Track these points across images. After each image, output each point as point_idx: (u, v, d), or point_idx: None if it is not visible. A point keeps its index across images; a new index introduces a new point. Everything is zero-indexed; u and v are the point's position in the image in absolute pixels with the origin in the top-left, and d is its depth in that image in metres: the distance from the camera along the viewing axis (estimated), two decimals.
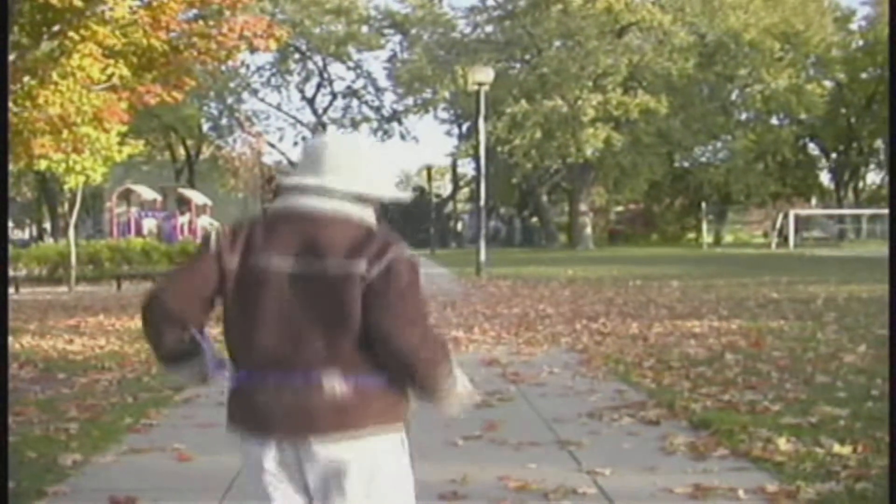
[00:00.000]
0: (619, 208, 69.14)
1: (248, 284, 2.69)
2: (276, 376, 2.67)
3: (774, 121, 56.37)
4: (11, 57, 11.71)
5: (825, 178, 66.44)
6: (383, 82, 62.91)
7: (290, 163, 61.34)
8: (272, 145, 60.83)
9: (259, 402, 2.69)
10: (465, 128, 58.82)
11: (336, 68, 65.65)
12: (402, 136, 64.79)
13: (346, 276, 2.63)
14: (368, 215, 2.77)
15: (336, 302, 2.64)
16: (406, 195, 2.96)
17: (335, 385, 2.65)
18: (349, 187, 2.72)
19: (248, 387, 2.73)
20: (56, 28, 13.57)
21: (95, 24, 13.35)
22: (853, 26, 58.70)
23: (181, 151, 59.17)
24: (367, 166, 2.78)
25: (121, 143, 19.76)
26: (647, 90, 48.22)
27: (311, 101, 63.98)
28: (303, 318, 2.65)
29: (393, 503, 2.78)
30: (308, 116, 64.65)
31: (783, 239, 51.55)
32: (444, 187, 76.77)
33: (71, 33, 13.30)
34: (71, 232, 24.18)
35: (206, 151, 58.25)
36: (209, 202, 40.67)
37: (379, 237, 2.72)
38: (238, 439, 2.82)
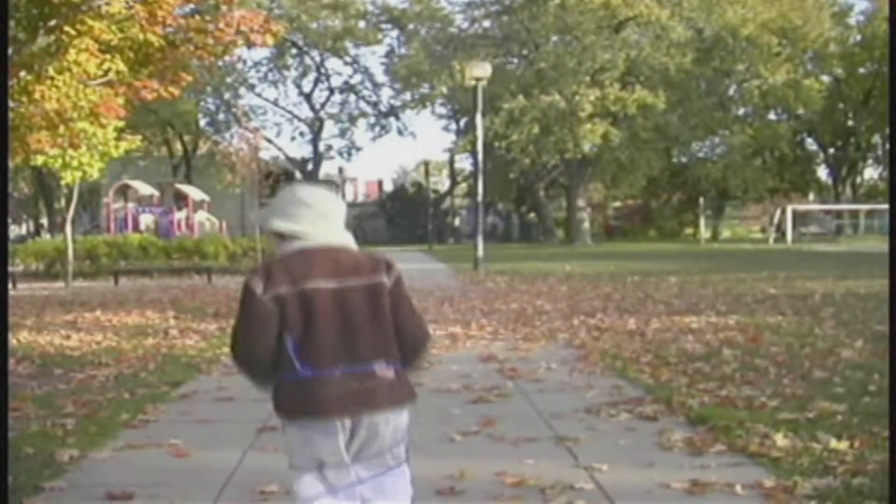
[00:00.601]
0: (617, 204, 69.17)
1: (303, 304, 3.43)
2: (341, 369, 3.43)
3: (772, 116, 56.43)
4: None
5: (823, 173, 66.57)
6: (381, 77, 62.90)
7: (288, 158, 61.37)
8: (270, 141, 60.63)
9: (329, 393, 3.41)
10: (462, 123, 58.77)
11: (333, 63, 65.58)
12: (400, 132, 64.80)
13: (377, 285, 3.52)
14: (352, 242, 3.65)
15: (375, 305, 3.50)
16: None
17: (385, 372, 3.48)
18: (347, 236, 3.62)
19: (316, 382, 3.43)
20: (52, 23, 13.53)
21: (91, 19, 13.31)
22: (851, 21, 58.75)
23: (178, 147, 59.09)
24: (341, 216, 3.65)
25: (117, 139, 19.76)
26: (645, 85, 48.19)
27: (308, 97, 63.95)
28: (351, 321, 3.47)
29: (400, 443, 3.62)
30: (305, 112, 64.69)
31: (781, 234, 51.61)
32: (441, 183, 76.80)
33: (67, 28, 13.26)
34: (68, 227, 24.16)
35: (203, 147, 58.10)
36: (206, 198, 40.65)
37: (380, 257, 3.64)
38: (288, 424, 3.52)
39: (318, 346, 3.43)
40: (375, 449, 3.54)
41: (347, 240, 3.60)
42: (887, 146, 59.20)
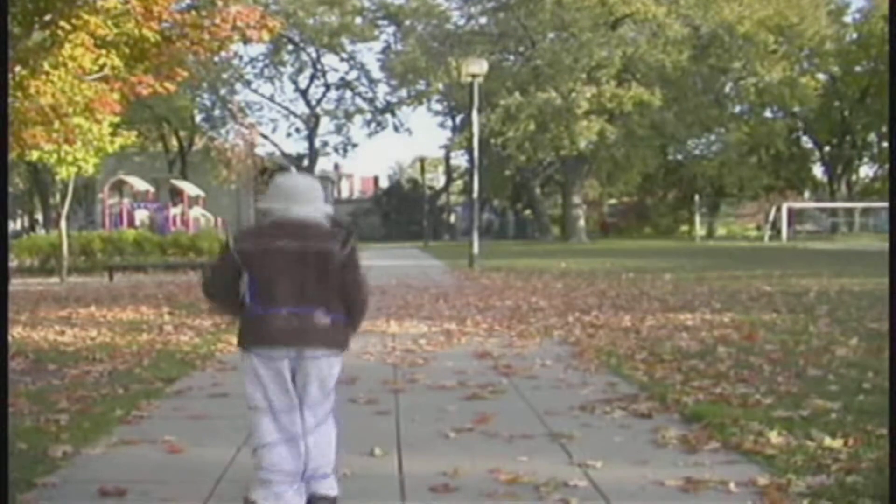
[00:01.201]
0: (613, 201, 69.20)
1: (267, 257, 4.48)
2: (287, 310, 4.45)
3: (768, 114, 56.38)
4: None
5: (818, 171, 66.59)
6: (377, 74, 62.94)
7: (284, 154, 61.37)
8: (265, 137, 60.65)
9: (275, 326, 4.44)
10: (458, 120, 58.79)
11: (329, 59, 65.63)
12: (396, 128, 64.90)
13: (328, 252, 4.48)
14: (326, 220, 4.61)
15: (322, 266, 4.47)
16: (329, 209, 4.72)
17: (322, 317, 4.48)
18: (315, 212, 4.58)
19: (266, 317, 4.47)
20: (47, 18, 13.49)
21: (87, 13, 13.26)
22: (847, 19, 58.71)
23: (174, 142, 59.02)
24: (318, 197, 4.65)
25: (113, 134, 19.75)
26: (641, 82, 48.15)
27: (304, 93, 63.95)
28: (303, 275, 4.46)
29: (331, 392, 4.63)
30: (301, 108, 64.67)
31: (776, 232, 51.64)
32: (437, 179, 76.74)
33: (62, 23, 13.21)
34: (63, 223, 24.14)
35: (199, 143, 58.06)
36: (202, 193, 40.60)
37: (340, 231, 4.57)
38: (246, 353, 4.54)
39: (274, 290, 4.47)
40: (316, 387, 4.54)
41: (316, 213, 4.57)
42: (884, 144, 59.28)
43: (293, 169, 59.39)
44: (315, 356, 4.48)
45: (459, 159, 64.85)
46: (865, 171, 66.67)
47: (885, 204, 52.32)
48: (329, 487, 4.66)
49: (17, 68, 13.42)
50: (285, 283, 4.44)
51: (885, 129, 56.64)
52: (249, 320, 4.54)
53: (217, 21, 14.53)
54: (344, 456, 5.56)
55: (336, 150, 64.88)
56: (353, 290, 4.59)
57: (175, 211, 37.20)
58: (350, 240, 4.53)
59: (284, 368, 4.47)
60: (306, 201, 4.56)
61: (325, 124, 64.43)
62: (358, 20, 59.39)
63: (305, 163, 62.49)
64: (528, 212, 65.93)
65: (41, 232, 43.97)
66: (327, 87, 64.05)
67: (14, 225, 65.10)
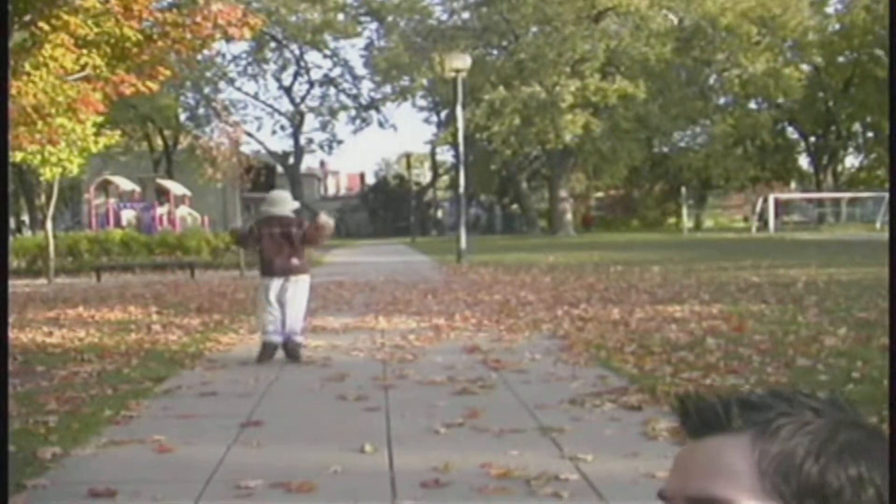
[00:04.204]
0: (600, 194, 69.22)
1: (267, 236, 9.42)
2: (279, 258, 9.37)
3: (752, 105, 56.49)
4: None
5: (804, 161, 66.68)
6: (360, 70, 62.87)
7: (270, 152, 61.28)
8: (250, 135, 60.44)
9: (274, 267, 9.37)
10: (443, 115, 58.74)
11: (313, 56, 65.52)
12: (381, 124, 65.03)
13: (293, 231, 9.44)
14: (293, 213, 9.84)
15: (291, 238, 9.41)
16: (295, 205, 10.27)
17: (296, 261, 9.43)
18: (286, 210, 9.80)
19: (270, 264, 9.40)
20: (27, 18, 13.43)
21: (66, 13, 13.22)
22: (829, 10, 58.83)
23: (158, 142, 58.86)
24: (289, 203, 9.97)
25: (97, 134, 19.67)
26: (625, 75, 48.20)
27: (288, 90, 63.81)
28: (284, 242, 9.38)
29: (305, 299, 9.63)
30: (286, 105, 64.50)
31: (763, 223, 51.72)
32: (423, 175, 76.73)
33: (42, 23, 13.17)
34: (49, 224, 24.03)
35: (184, 141, 57.87)
36: (188, 192, 40.46)
37: (299, 220, 9.78)
38: (262, 278, 9.58)
39: (272, 251, 9.30)
40: (291, 293, 9.26)
41: (287, 212, 9.62)
42: (869, 134, 59.45)
43: (279, 168, 59.36)
44: (293, 280, 9.28)
45: (445, 155, 64.83)
46: (851, 160, 66.86)
47: (872, 194, 52.61)
48: (299, 338, 9.38)
49: None
50: (276, 248, 9.29)
51: (869, 119, 56.83)
52: (263, 265, 9.43)
53: (198, 19, 14.48)
54: (334, 453, 5.56)
55: (321, 147, 64.82)
56: (311, 238, 9.50)
57: (161, 210, 37.08)
58: (303, 223, 9.53)
59: (278, 286, 9.27)
60: (282, 205, 9.63)
61: (310, 121, 64.45)
62: (340, 17, 59.24)
63: (291, 160, 62.39)
64: (514, 206, 65.96)
65: (27, 233, 43.78)
66: (311, 84, 63.96)
67: None
